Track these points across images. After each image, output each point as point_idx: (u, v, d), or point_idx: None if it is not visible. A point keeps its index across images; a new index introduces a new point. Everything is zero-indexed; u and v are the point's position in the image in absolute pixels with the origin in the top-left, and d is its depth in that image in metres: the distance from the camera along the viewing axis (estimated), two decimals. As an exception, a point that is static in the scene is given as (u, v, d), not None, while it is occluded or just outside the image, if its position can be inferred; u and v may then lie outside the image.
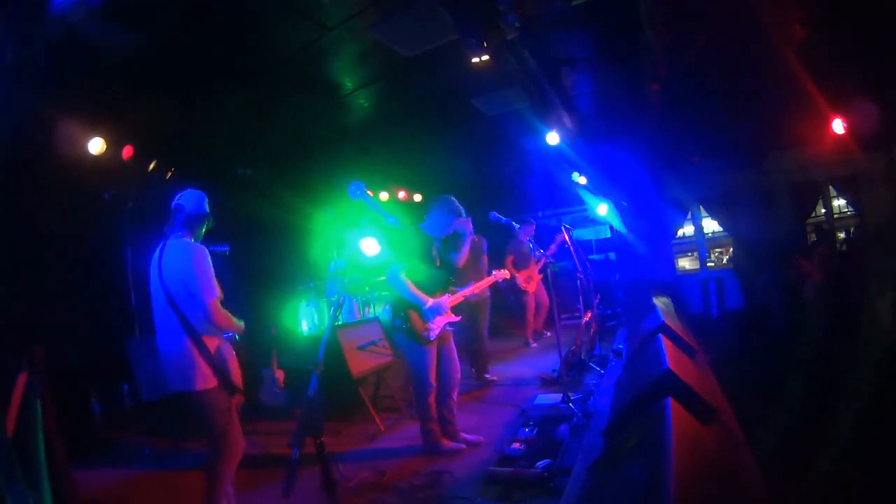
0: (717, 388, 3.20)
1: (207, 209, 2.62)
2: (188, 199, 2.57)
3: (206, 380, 2.39)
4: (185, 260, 2.43)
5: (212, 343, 2.45)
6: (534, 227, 6.52)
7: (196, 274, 2.41)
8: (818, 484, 2.44)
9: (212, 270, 2.46)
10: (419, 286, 3.44)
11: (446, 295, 3.60)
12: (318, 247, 6.27)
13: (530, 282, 6.84)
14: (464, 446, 3.49)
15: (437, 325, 3.45)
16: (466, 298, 3.97)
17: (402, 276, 3.42)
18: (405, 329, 3.43)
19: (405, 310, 3.43)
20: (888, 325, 4.23)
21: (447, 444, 3.48)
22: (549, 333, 7.26)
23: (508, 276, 4.38)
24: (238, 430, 2.52)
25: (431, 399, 3.48)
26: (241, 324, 2.65)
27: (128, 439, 4.08)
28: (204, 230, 2.63)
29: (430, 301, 3.43)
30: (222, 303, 2.52)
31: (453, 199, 3.71)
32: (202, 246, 2.51)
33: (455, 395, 3.64)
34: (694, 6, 4.05)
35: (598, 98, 6.41)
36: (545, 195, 9.16)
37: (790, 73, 4.94)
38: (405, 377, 4.65)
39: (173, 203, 2.57)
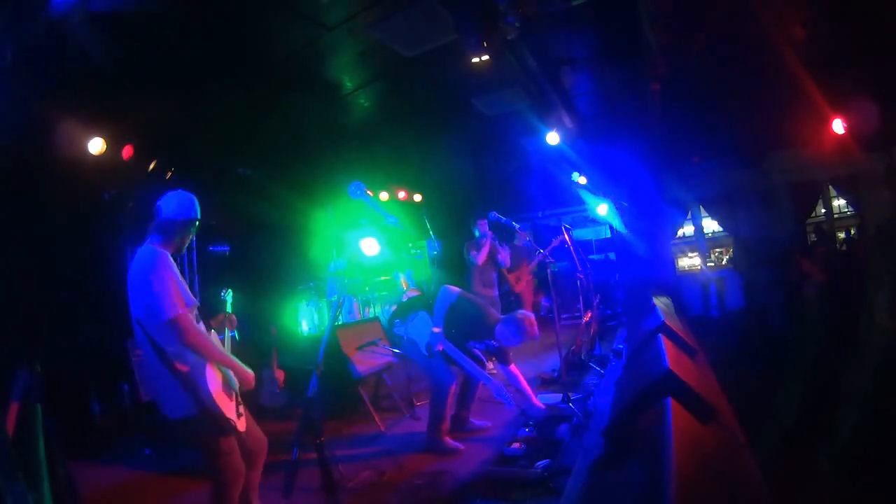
0: (717, 388, 3.20)
1: (193, 214, 2.27)
2: (168, 201, 2.24)
3: (182, 408, 2.08)
4: (141, 270, 2.10)
5: (185, 365, 2.10)
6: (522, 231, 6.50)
7: (152, 286, 2.04)
8: (818, 484, 2.44)
9: (175, 280, 2.09)
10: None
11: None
12: (318, 247, 6.28)
13: (519, 282, 6.89)
14: (462, 447, 3.44)
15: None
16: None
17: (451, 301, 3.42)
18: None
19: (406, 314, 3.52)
20: (888, 324, 4.23)
21: (450, 442, 3.46)
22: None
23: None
24: (235, 458, 2.20)
25: (452, 387, 3.43)
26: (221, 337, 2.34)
27: (128, 439, 4.07)
28: (187, 239, 2.30)
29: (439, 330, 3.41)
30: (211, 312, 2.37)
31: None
32: (162, 251, 2.15)
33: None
34: (694, 6, 4.06)
35: (599, 98, 6.41)
36: (545, 195, 9.16)
37: (790, 73, 4.94)
38: (405, 377, 4.65)
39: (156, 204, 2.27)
